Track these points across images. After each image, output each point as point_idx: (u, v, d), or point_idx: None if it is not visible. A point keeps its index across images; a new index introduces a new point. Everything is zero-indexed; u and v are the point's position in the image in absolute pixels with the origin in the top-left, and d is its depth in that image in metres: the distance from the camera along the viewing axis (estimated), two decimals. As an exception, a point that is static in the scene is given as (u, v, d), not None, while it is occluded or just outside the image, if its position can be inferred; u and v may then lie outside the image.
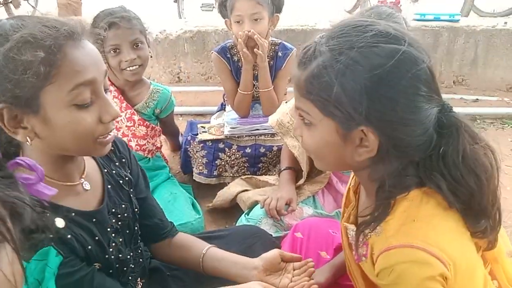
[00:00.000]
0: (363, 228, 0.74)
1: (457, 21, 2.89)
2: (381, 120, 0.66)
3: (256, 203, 1.45)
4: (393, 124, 0.67)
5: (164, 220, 1.08)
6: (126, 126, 1.69)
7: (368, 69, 0.64)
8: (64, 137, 0.73)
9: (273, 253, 0.99)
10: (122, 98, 1.67)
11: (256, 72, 1.80)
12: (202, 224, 1.55)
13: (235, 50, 1.81)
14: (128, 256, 0.92)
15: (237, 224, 1.39)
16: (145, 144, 1.73)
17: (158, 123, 1.79)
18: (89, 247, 0.80)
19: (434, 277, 0.65)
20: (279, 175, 1.54)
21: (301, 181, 1.48)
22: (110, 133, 0.79)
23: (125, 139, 1.67)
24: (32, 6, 4.51)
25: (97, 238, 0.83)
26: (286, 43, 1.84)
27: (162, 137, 2.03)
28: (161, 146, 1.84)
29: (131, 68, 1.56)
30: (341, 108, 0.67)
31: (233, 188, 1.58)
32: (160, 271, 1.10)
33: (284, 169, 1.51)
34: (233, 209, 1.62)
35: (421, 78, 0.66)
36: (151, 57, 1.65)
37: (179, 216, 1.52)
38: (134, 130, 1.69)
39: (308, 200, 1.44)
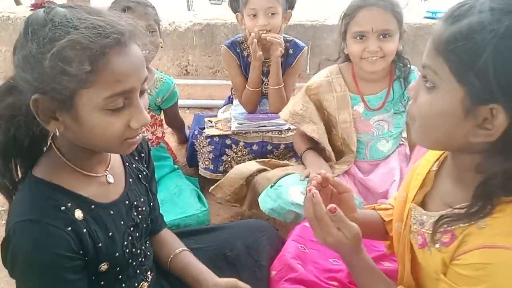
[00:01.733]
0: (453, 220, 0.69)
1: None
2: None
3: (281, 178, 1.40)
4: None
5: (159, 215, 1.09)
6: None
7: None
8: (92, 136, 0.73)
9: (230, 283, 0.96)
10: None
11: (266, 69, 1.79)
12: (208, 217, 1.55)
13: (245, 45, 1.80)
14: (139, 250, 0.92)
15: (260, 199, 1.36)
16: (143, 132, 1.72)
17: (161, 114, 1.78)
18: (100, 244, 0.80)
19: None
20: (301, 158, 1.52)
21: (331, 163, 1.47)
22: (138, 135, 0.78)
23: None
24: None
25: (110, 234, 0.83)
26: (298, 41, 1.83)
27: (169, 129, 2.04)
28: (163, 136, 1.83)
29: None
30: (482, 78, 0.59)
31: (253, 165, 1.52)
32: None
33: (307, 150, 1.49)
34: (241, 200, 1.59)
35: None
36: (161, 47, 1.64)
37: (184, 208, 1.53)
38: None
39: None
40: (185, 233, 1.21)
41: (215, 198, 1.69)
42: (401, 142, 1.56)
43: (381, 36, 1.30)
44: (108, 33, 0.67)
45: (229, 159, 1.74)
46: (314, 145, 1.49)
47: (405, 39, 1.38)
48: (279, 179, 1.39)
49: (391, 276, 1.09)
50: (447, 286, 0.70)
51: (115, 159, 0.90)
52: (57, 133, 0.73)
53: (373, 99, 1.43)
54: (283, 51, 1.68)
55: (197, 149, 1.79)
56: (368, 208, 1.04)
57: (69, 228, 0.74)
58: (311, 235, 1.15)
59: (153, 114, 1.73)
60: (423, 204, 0.80)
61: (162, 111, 1.80)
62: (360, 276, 0.84)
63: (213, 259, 1.09)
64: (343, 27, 1.36)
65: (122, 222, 0.86)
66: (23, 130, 0.77)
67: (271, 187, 1.37)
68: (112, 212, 0.84)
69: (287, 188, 1.32)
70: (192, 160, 1.86)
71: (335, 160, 1.48)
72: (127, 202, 0.88)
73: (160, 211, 1.50)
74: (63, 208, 0.74)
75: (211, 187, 1.57)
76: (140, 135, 0.79)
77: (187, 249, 1.06)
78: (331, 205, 0.79)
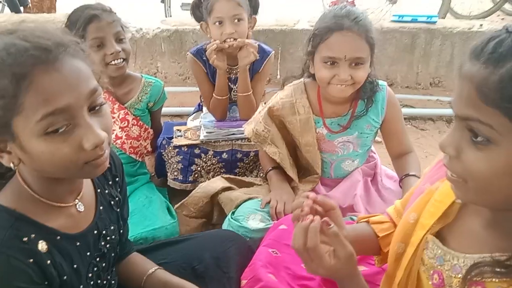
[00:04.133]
0: (489, 270, 0.60)
1: (434, 23, 2.93)
2: None
3: (243, 202, 1.41)
4: None
5: (128, 239, 1.05)
6: (119, 127, 1.65)
7: None
8: (43, 164, 0.68)
9: None
10: (114, 99, 1.63)
11: (234, 76, 1.77)
12: (177, 229, 1.52)
13: (212, 52, 1.77)
14: (105, 281, 0.88)
15: (223, 227, 1.35)
16: (138, 146, 1.70)
17: (150, 121, 1.76)
18: (65, 277, 0.76)
19: None
20: (265, 176, 1.51)
21: (294, 183, 1.46)
22: (101, 156, 0.72)
23: (118, 141, 1.65)
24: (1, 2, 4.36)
25: (75, 266, 0.78)
26: (264, 45, 1.82)
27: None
28: (151, 151, 1.80)
29: (116, 61, 1.51)
30: None
31: (217, 183, 1.51)
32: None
33: (271, 169, 1.49)
34: (209, 214, 1.58)
35: None
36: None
37: (153, 220, 1.50)
38: (128, 130, 1.66)
39: None
40: (151, 248, 1.18)
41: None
42: (372, 154, 1.56)
43: (353, 64, 1.24)
44: (30, 50, 0.62)
45: (198, 168, 1.72)
46: (278, 164, 1.47)
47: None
48: (241, 202, 1.38)
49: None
50: None
51: (87, 185, 0.85)
52: (13, 167, 0.69)
53: (335, 121, 1.41)
54: (256, 55, 1.66)
55: (165, 159, 1.76)
56: (362, 220, 0.99)
57: (31, 260, 0.70)
58: (284, 238, 1.15)
59: (147, 127, 1.71)
60: (440, 238, 0.72)
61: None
62: None
63: (181, 273, 1.06)
64: (311, 47, 1.30)
65: (88, 253, 0.82)
66: None
67: (232, 214, 1.36)
68: (78, 243, 0.79)
69: (246, 218, 1.32)
70: (160, 170, 1.82)
71: (298, 182, 1.47)
72: (95, 231, 0.84)
73: (129, 223, 1.49)
74: (25, 239, 0.70)
75: (176, 206, 1.55)
76: (105, 155, 0.72)
77: (159, 267, 1.02)
78: (325, 218, 0.73)
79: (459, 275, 0.66)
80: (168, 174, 1.75)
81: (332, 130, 1.41)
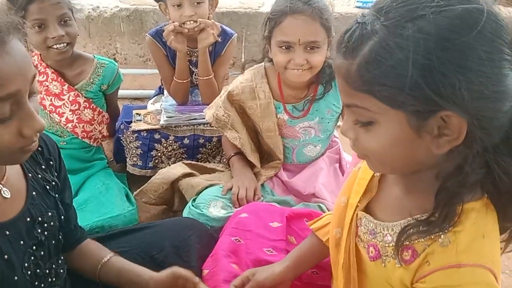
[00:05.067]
0: (419, 231, 0.64)
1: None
2: (467, 99, 0.54)
3: (205, 188, 1.38)
4: (480, 101, 0.55)
5: (78, 226, 1.01)
6: (70, 110, 1.58)
7: (445, 39, 0.53)
8: None
9: (170, 275, 0.91)
10: (62, 80, 1.55)
11: (195, 59, 1.72)
12: (136, 216, 1.48)
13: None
14: (48, 270, 0.83)
15: (184, 215, 1.32)
16: (92, 131, 1.64)
17: (105, 104, 1.68)
18: None
19: None
20: (228, 162, 1.49)
21: (256, 169, 1.45)
22: (34, 142, 0.69)
23: (69, 125, 1.58)
24: None
25: (6, 257, 0.73)
26: (226, 28, 1.77)
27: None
28: (107, 135, 1.73)
29: (58, 46, 1.43)
30: (417, 94, 0.54)
31: (177, 169, 1.48)
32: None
33: (234, 155, 1.46)
34: (169, 201, 1.55)
35: (506, 41, 0.55)
36: (78, 35, 1.52)
37: (110, 208, 1.45)
38: (79, 113, 1.59)
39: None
40: (108, 236, 1.14)
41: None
42: (335, 139, 1.57)
43: (308, 48, 1.22)
44: None
45: (159, 154, 1.67)
46: (241, 150, 1.45)
47: (337, 28, 1.29)
48: (203, 189, 1.36)
49: (322, 267, 1.10)
50: None
51: (13, 170, 0.79)
52: None
53: (296, 107, 1.40)
54: (216, 37, 1.61)
55: (123, 144, 1.70)
56: (311, 226, 1.00)
57: None
58: (246, 225, 1.14)
59: (101, 110, 1.63)
60: (369, 212, 0.76)
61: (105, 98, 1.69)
62: None
63: (140, 262, 1.02)
64: (267, 31, 1.28)
65: (22, 242, 0.77)
66: None
67: (193, 201, 1.33)
68: (8, 232, 0.74)
69: (207, 205, 1.29)
70: (119, 155, 1.76)
71: (260, 168, 1.46)
72: (28, 219, 0.79)
73: (84, 211, 1.43)
74: None
75: (135, 192, 1.50)
76: (36, 141, 0.70)
77: (115, 254, 0.98)
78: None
79: (392, 244, 0.70)
80: (127, 159, 1.69)
81: (293, 116, 1.41)
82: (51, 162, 0.89)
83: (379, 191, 0.76)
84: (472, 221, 0.62)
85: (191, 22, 1.58)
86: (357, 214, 0.77)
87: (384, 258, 0.71)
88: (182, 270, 0.90)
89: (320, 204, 1.34)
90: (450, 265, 0.61)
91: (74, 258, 0.98)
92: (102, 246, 1.02)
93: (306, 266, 1.00)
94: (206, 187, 1.37)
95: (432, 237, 0.64)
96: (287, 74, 1.29)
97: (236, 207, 1.31)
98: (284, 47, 1.24)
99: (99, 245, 1.03)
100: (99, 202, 1.49)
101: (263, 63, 1.41)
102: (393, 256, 0.69)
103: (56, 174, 0.90)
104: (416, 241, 0.65)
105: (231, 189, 1.36)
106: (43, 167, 0.87)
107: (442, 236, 0.63)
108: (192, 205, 1.31)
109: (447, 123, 0.57)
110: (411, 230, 0.65)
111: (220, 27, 1.73)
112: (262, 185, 1.43)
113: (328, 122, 1.44)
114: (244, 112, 1.44)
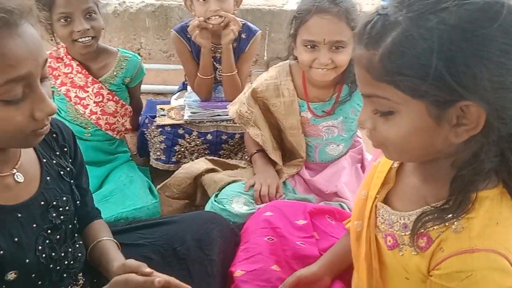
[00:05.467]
0: (435, 218, 0.65)
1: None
2: (487, 90, 0.56)
3: (227, 184, 1.39)
4: (500, 92, 0.57)
5: (94, 208, 1.03)
6: (94, 102, 1.61)
7: (467, 30, 0.55)
8: None
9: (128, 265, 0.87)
10: (87, 72, 1.58)
11: (219, 55, 1.73)
12: (159, 209, 1.50)
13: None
14: (63, 254, 0.85)
15: (206, 209, 1.34)
16: (115, 123, 1.66)
17: (128, 97, 1.71)
18: (1, 252, 0.73)
19: (508, 287, 0.60)
20: (250, 158, 1.50)
21: (278, 166, 1.45)
22: (46, 126, 0.72)
23: (93, 117, 1.61)
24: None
25: (16, 239, 0.75)
26: (250, 24, 1.78)
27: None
28: (130, 129, 1.76)
29: (83, 39, 1.46)
30: (439, 84, 0.56)
31: (201, 164, 1.49)
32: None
33: (256, 152, 1.47)
34: (192, 195, 1.57)
35: None
36: (103, 29, 1.55)
37: (134, 200, 1.48)
38: (103, 105, 1.62)
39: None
40: (132, 228, 1.16)
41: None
42: (358, 139, 1.56)
43: (334, 47, 1.22)
44: None
45: (182, 149, 1.69)
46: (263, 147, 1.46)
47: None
48: (225, 185, 1.37)
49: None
50: None
51: (28, 155, 0.82)
52: None
53: (320, 106, 1.39)
54: (236, 33, 1.62)
55: (147, 139, 1.72)
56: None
57: None
58: (273, 223, 1.15)
59: (124, 103, 1.66)
60: (387, 203, 0.78)
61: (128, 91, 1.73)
62: None
63: (162, 254, 1.05)
64: (293, 29, 1.28)
65: (35, 226, 0.79)
66: None
67: (216, 197, 1.34)
68: (19, 215, 0.76)
69: (230, 201, 1.30)
70: (143, 149, 1.79)
71: (282, 165, 1.46)
72: (42, 202, 0.81)
73: (109, 203, 1.46)
74: None
75: (158, 186, 1.52)
76: (48, 125, 0.73)
77: (111, 239, 0.99)
78: None
79: (408, 232, 0.71)
80: (151, 153, 1.72)
81: (316, 114, 1.40)
82: (65, 149, 0.91)
83: (397, 182, 0.78)
84: (486, 208, 0.63)
85: (216, 17, 1.58)
86: (375, 205, 0.79)
87: (401, 246, 0.72)
88: (133, 262, 0.86)
89: (342, 203, 1.33)
90: (463, 250, 0.62)
91: (83, 237, 0.99)
92: (107, 229, 1.03)
93: (343, 264, 1.01)
94: (229, 183, 1.38)
95: (446, 224, 0.65)
96: (312, 73, 1.29)
97: (258, 204, 1.32)
98: (309, 46, 1.24)
99: (104, 226, 1.03)
100: (123, 194, 1.52)
101: (288, 61, 1.41)
102: (410, 244, 0.70)
103: (71, 160, 0.93)
104: (431, 229, 0.67)
105: (253, 185, 1.36)
106: (58, 153, 0.89)
107: (455, 222, 0.64)
108: (215, 200, 1.32)
109: (466, 113, 0.58)
110: (427, 217, 0.66)
111: (245, 23, 1.74)
112: (284, 182, 1.43)
113: (352, 122, 1.43)
114: (268, 109, 1.44)
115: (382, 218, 0.77)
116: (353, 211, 0.89)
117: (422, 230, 0.67)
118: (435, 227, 0.66)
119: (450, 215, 0.64)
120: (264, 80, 1.42)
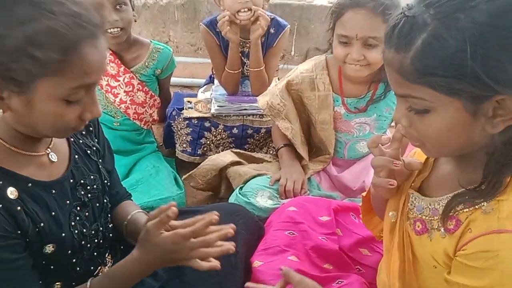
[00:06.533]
0: (462, 200, 0.67)
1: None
2: None
3: (252, 177, 1.40)
4: None
5: (121, 189, 1.06)
6: (124, 91, 1.65)
7: (498, 27, 0.55)
8: (39, 123, 0.71)
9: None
10: (120, 62, 1.62)
11: (247, 50, 1.73)
12: (184, 200, 1.53)
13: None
14: (94, 231, 0.88)
15: (230, 201, 1.35)
16: (143, 113, 1.70)
17: (158, 88, 1.74)
18: (42, 224, 0.76)
19: None
20: (276, 152, 1.50)
21: (304, 162, 1.45)
22: (84, 124, 0.78)
23: (123, 106, 1.65)
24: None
25: (53, 213, 0.79)
26: (279, 19, 1.76)
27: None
28: (158, 120, 1.79)
29: (112, 30, 1.49)
30: (474, 82, 0.57)
31: (227, 157, 1.49)
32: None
33: (283, 147, 1.47)
34: (216, 187, 1.58)
35: None
36: (135, 21, 1.57)
37: (160, 190, 1.50)
38: (133, 95, 1.65)
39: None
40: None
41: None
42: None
43: (367, 44, 1.20)
44: (85, 23, 0.66)
45: (208, 142, 1.71)
46: (291, 141, 1.45)
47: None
48: (250, 178, 1.37)
49: (365, 265, 1.09)
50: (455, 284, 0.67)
51: None
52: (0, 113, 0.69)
53: (354, 102, 1.38)
54: (265, 28, 1.60)
55: (174, 131, 1.75)
56: None
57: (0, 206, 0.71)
58: (296, 219, 1.15)
59: (153, 94, 1.70)
60: (421, 191, 0.78)
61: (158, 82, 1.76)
62: None
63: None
64: (332, 23, 1.27)
65: (68, 202, 0.82)
66: None
67: (240, 190, 1.34)
68: (54, 191, 0.80)
69: (255, 194, 1.31)
70: (169, 141, 1.81)
71: (308, 161, 1.45)
72: (71, 180, 0.84)
73: (135, 192, 1.49)
74: None
75: (184, 176, 1.54)
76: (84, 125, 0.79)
77: (142, 211, 1.00)
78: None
79: (437, 217, 0.72)
80: (177, 145, 1.74)
81: (350, 110, 1.39)
82: (91, 128, 0.95)
83: (433, 171, 0.78)
84: None
85: (245, 12, 1.57)
86: (408, 193, 0.79)
87: (431, 231, 0.73)
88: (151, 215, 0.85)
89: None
90: (491, 231, 0.62)
91: (113, 218, 1.01)
92: (135, 205, 1.05)
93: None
94: (254, 177, 1.38)
95: (476, 207, 0.65)
96: (346, 68, 1.28)
97: (282, 199, 1.32)
98: (343, 41, 1.23)
99: (132, 204, 1.05)
100: (149, 184, 1.55)
101: (324, 55, 1.40)
102: (438, 228, 0.71)
103: (96, 140, 0.96)
104: (461, 211, 0.67)
105: (278, 180, 1.36)
106: (83, 132, 0.92)
107: (485, 204, 0.64)
108: (239, 193, 1.33)
109: (502, 105, 0.59)
110: (459, 199, 0.67)
111: (274, 18, 1.73)
112: (309, 179, 1.42)
113: (385, 120, 1.41)
114: (301, 103, 1.43)
115: (411, 204, 0.78)
116: (389, 201, 0.87)
117: (452, 213, 0.68)
118: (465, 210, 0.67)
119: (482, 198, 0.64)
120: (300, 73, 1.41)
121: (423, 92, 0.61)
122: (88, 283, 0.82)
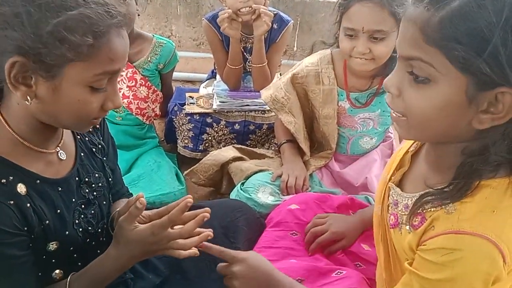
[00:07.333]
0: (429, 200, 0.67)
1: None
2: None
3: (254, 173, 1.39)
4: None
5: (123, 187, 1.05)
6: (127, 86, 1.65)
7: None
8: (64, 110, 0.72)
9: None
10: None
11: (249, 45, 1.73)
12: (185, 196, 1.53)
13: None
14: (100, 229, 0.88)
15: (231, 197, 1.35)
16: (145, 108, 1.70)
17: (160, 83, 1.74)
18: (47, 221, 0.76)
19: (490, 275, 0.60)
20: (278, 148, 1.50)
21: (306, 157, 1.44)
22: (103, 116, 0.79)
23: (125, 100, 1.66)
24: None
25: (58, 211, 0.79)
26: (283, 14, 1.76)
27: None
28: (160, 114, 1.79)
29: None
30: (493, 64, 0.54)
31: (228, 152, 1.49)
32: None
33: (285, 142, 1.47)
34: (218, 183, 1.58)
35: None
36: (138, 15, 1.56)
37: (161, 185, 1.51)
38: (135, 90, 1.65)
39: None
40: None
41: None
42: (389, 134, 1.53)
43: (373, 37, 1.18)
44: (115, 13, 0.69)
45: (209, 138, 1.70)
46: (293, 137, 1.44)
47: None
48: (252, 174, 1.37)
49: (366, 260, 1.10)
50: (412, 275, 0.68)
51: (67, 132, 0.85)
52: (28, 102, 0.69)
53: (359, 96, 1.37)
54: (269, 24, 1.60)
55: (176, 126, 1.74)
56: None
57: (11, 202, 0.71)
58: (299, 217, 1.16)
59: (155, 89, 1.70)
60: (401, 185, 0.78)
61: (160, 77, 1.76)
62: None
63: (189, 239, 1.07)
64: (338, 16, 1.26)
65: (73, 200, 0.82)
66: None
67: (242, 185, 1.34)
68: (60, 188, 0.80)
69: (256, 190, 1.30)
70: (170, 136, 1.81)
71: (309, 157, 1.44)
72: (76, 178, 0.84)
73: (137, 187, 1.49)
74: (4, 181, 0.71)
75: (185, 172, 1.54)
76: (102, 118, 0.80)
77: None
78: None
79: (407, 212, 0.72)
80: (178, 141, 1.74)
81: (354, 105, 1.38)
82: (97, 126, 0.95)
83: (411, 166, 0.78)
84: (485, 195, 0.63)
85: (247, 8, 1.56)
86: (388, 186, 0.80)
87: (401, 226, 0.74)
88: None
89: (368, 196, 1.32)
90: (450, 230, 0.63)
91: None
92: (123, 202, 1.02)
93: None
94: (255, 172, 1.38)
95: (442, 206, 0.66)
96: (351, 62, 1.27)
97: (284, 195, 1.32)
98: (349, 34, 1.22)
99: (122, 202, 1.03)
100: (151, 179, 1.55)
101: (329, 49, 1.39)
102: (406, 223, 0.71)
103: (101, 137, 0.96)
104: (428, 210, 0.67)
105: (280, 176, 1.36)
106: (90, 130, 0.92)
107: (450, 204, 0.64)
108: (241, 189, 1.32)
109: (499, 101, 0.57)
110: (426, 198, 0.67)
111: (277, 13, 1.72)
112: (311, 175, 1.42)
113: (389, 116, 1.40)
114: (305, 97, 1.42)
115: (390, 198, 0.78)
116: (375, 195, 0.89)
117: (420, 210, 0.69)
118: (432, 209, 0.67)
119: (449, 199, 0.64)
120: (305, 67, 1.40)
121: (435, 58, 0.58)
122: (68, 279, 0.82)
